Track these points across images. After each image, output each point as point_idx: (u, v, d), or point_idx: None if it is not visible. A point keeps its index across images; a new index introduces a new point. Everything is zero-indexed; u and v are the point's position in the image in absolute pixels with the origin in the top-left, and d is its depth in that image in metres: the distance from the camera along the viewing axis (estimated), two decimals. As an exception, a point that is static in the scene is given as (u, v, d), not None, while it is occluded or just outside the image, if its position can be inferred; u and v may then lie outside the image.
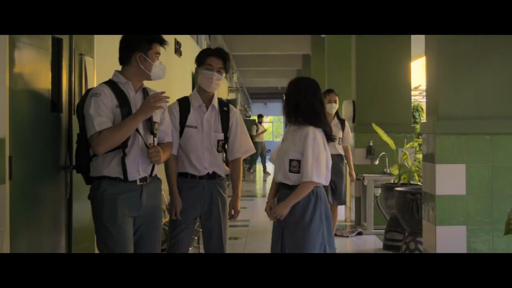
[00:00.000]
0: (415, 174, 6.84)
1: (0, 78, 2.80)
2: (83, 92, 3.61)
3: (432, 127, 4.13)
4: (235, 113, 4.01)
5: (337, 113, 6.89)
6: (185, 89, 3.87)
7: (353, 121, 8.22)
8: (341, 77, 10.89)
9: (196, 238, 4.58)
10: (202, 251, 4.06)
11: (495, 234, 4.03)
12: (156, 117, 3.38)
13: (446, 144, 4.09)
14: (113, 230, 3.17)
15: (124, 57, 3.30)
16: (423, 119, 10.80)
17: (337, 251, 6.31)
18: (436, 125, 4.11)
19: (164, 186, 3.65)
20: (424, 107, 8.69)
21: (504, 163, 4.09)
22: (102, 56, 4.15)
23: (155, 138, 3.38)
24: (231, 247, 6.70)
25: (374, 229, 7.60)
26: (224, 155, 3.97)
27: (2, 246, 2.78)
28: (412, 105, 9.75)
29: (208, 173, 3.86)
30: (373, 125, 7.52)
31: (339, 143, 6.73)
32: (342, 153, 6.80)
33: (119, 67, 3.34)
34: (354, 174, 7.04)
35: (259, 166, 19.19)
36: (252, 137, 17.94)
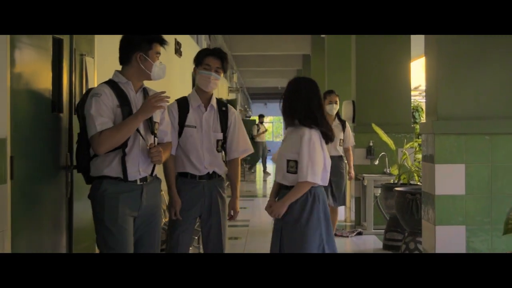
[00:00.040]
0: (415, 174, 6.84)
1: (1, 78, 2.81)
2: (84, 92, 3.62)
3: (432, 127, 4.14)
4: (234, 113, 4.02)
5: (337, 114, 6.88)
6: (185, 89, 3.87)
7: (353, 121, 8.22)
8: (341, 77, 10.89)
9: (196, 238, 4.59)
10: (202, 251, 4.06)
11: (494, 234, 4.04)
12: (156, 117, 3.39)
13: (445, 144, 4.10)
14: (114, 229, 3.18)
15: (124, 57, 3.31)
16: (423, 119, 10.80)
17: (337, 251, 6.35)
18: (436, 125, 4.12)
19: (164, 186, 3.65)
20: (424, 107, 8.70)
21: (504, 163, 4.10)
22: (102, 56, 4.15)
23: (155, 138, 3.40)
24: (231, 247, 6.74)
25: (374, 229, 7.60)
26: (224, 155, 3.98)
27: (3, 246, 2.79)
28: (412, 105, 9.75)
29: (208, 172, 3.87)
30: (373, 125, 7.52)
31: (340, 145, 6.73)
32: (343, 154, 6.80)
33: (119, 67, 3.35)
34: (353, 172, 7.03)
35: (259, 166, 19.19)
36: (253, 137, 17.99)
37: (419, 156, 7.00)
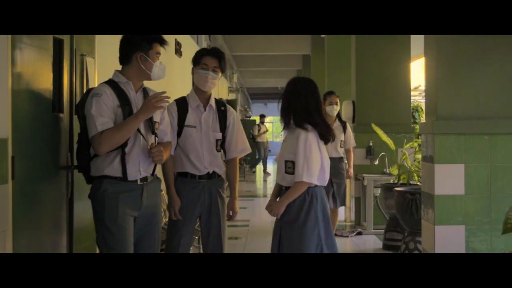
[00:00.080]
0: (415, 174, 6.85)
1: (2, 79, 2.81)
2: (84, 92, 3.63)
3: (431, 127, 4.15)
4: (232, 112, 4.03)
5: (338, 115, 6.87)
6: (185, 90, 3.89)
7: (353, 121, 8.23)
8: (341, 77, 10.90)
9: (196, 238, 4.59)
10: (202, 251, 4.07)
11: (494, 234, 4.04)
12: (157, 117, 3.40)
13: (445, 144, 4.11)
14: (114, 229, 3.18)
15: (125, 56, 3.31)
16: (423, 119, 10.81)
17: (338, 251, 6.36)
18: (435, 125, 4.13)
19: (163, 186, 3.66)
20: (423, 107, 8.71)
21: (503, 163, 4.11)
22: (103, 56, 4.16)
23: (156, 137, 3.40)
24: (231, 247, 6.75)
25: (373, 229, 7.61)
26: (223, 154, 3.99)
27: (4, 246, 2.80)
28: (412, 105, 9.76)
29: (208, 172, 3.87)
30: (373, 125, 7.53)
31: (341, 146, 6.72)
32: (344, 155, 6.80)
33: (120, 67, 3.36)
34: (351, 171, 7.01)
35: (259, 167, 19.20)
36: (254, 137, 18.01)
37: (419, 156, 7.01)
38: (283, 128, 3.79)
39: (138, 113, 3.20)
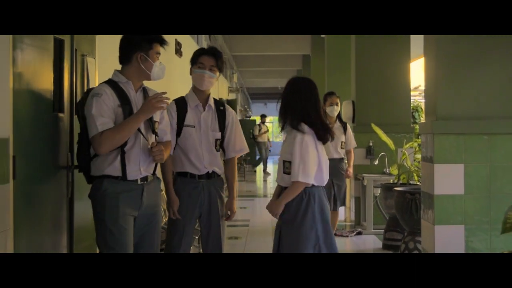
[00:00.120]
0: (414, 174, 6.86)
1: (3, 79, 2.82)
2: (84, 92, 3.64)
3: (431, 127, 4.16)
4: (231, 112, 4.04)
5: (339, 116, 6.85)
6: (185, 90, 3.89)
7: (353, 121, 8.24)
8: (341, 77, 10.91)
9: (196, 238, 4.60)
10: (201, 250, 4.08)
11: (493, 233, 4.05)
12: (156, 116, 3.40)
13: (444, 144, 4.12)
14: (114, 229, 3.18)
15: (125, 56, 3.32)
16: (423, 119, 10.82)
17: (338, 250, 6.37)
18: (435, 125, 4.14)
19: (162, 186, 3.67)
20: (423, 107, 8.71)
21: (502, 163, 4.11)
22: (103, 56, 4.17)
23: (156, 137, 3.41)
24: (231, 247, 6.76)
25: (373, 229, 7.62)
26: (223, 154, 4.00)
27: (6, 245, 2.80)
28: (411, 105, 9.77)
29: (208, 172, 3.88)
30: (373, 125, 7.53)
31: (341, 147, 6.71)
32: (345, 156, 6.79)
33: (120, 67, 3.36)
34: (351, 171, 6.99)
35: (259, 167, 19.20)
36: (254, 137, 18.03)
37: (419, 156, 7.02)
38: (281, 129, 3.79)
39: (138, 113, 3.21)
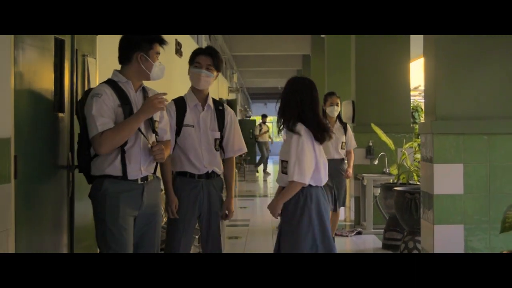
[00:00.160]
0: (414, 174, 6.87)
1: (5, 79, 2.83)
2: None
3: (430, 127, 4.17)
4: (230, 112, 4.05)
5: (339, 117, 6.82)
6: (185, 90, 3.91)
7: (353, 121, 8.25)
8: (340, 77, 10.91)
9: (196, 237, 4.61)
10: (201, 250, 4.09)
11: (492, 233, 4.06)
12: (156, 116, 3.40)
13: (444, 144, 4.13)
14: (114, 229, 3.19)
15: (125, 56, 3.32)
16: (422, 119, 10.83)
17: (337, 250, 6.37)
18: (434, 125, 4.15)
19: (162, 185, 3.68)
20: (423, 107, 8.73)
21: (502, 163, 4.12)
22: (103, 56, 4.18)
23: (156, 136, 3.42)
24: (231, 246, 6.77)
25: (373, 229, 7.63)
26: (222, 153, 4.01)
27: (7, 244, 2.81)
28: (411, 105, 9.77)
29: (207, 172, 3.88)
30: (372, 125, 7.54)
31: (342, 148, 6.69)
32: (345, 157, 6.78)
33: (120, 67, 3.37)
34: (350, 171, 6.94)
35: (260, 166, 19.20)
36: (255, 137, 18.05)
37: (418, 156, 7.03)
38: (278, 130, 3.79)
39: (138, 113, 3.21)
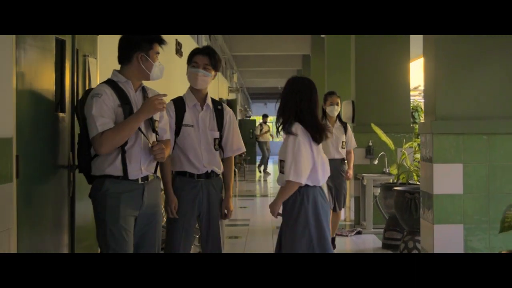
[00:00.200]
0: (414, 174, 6.87)
1: (7, 79, 2.84)
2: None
3: (430, 127, 4.18)
4: (229, 111, 4.06)
5: (339, 116, 6.81)
6: (185, 90, 3.93)
7: (353, 121, 8.26)
8: (340, 77, 10.92)
9: (197, 237, 4.62)
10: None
11: (492, 233, 4.07)
12: (156, 115, 3.41)
13: (443, 144, 4.13)
14: (115, 229, 3.19)
15: (125, 56, 3.32)
16: (422, 119, 10.84)
17: (337, 250, 6.39)
18: (434, 125, 4.16)
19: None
20: (423, 107, 8.74)
21: (501, 163, 4.13)
22: (104, 56, 4.19)
23: (156, 135, 3.43)
24: (231, 246, 6.78)
25: (373, 228, 7.64)
26: (222, 152, 4.02)
27: (9, 244, 2.82)
28: (411, 105, 9.78)
29: (207, 171, 3.89)
30: (372, 125, 7.55)
31: (342, 147, 6.68)
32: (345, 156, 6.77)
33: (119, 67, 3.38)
34: (351, 173, 6.91)
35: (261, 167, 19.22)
36: (256, 137, 18.06)
37: (418, 156, 7.04)
38: (277, 129, 3.80)
39: (138, 113, 3.22)
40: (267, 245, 6.58)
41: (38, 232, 3.20)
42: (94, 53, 4.01)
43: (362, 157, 8.06)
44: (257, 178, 16.98)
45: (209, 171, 3.90)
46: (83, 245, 3.76)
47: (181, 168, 3.89)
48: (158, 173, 3.55)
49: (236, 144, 4.04)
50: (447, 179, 4.12)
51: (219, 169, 3.97)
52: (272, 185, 14.71)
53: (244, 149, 4.15)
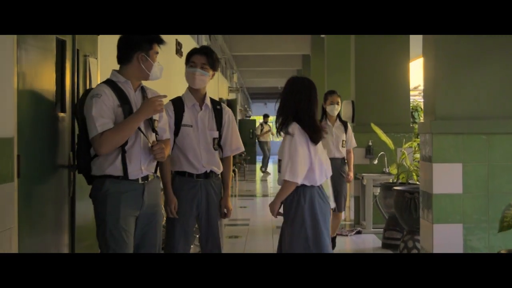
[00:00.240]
0: (414, 174, 6.88)
1: (8, 79, 2.85)
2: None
3: (430, 127, 4.18)
4: (228, 111, 4.06)
5: (339, 115, 6.80)
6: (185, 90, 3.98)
7: (352, 121, 8.26)
8: (340, 77, 10.93)
9: (197, 236, 4.62)
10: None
11: (491, 232, 4.08)
12: (155, 115, 3.42)
13: (443, 144, 4.14)
14: (115, 229, 3.19)
15: (124, 56, 3.32)
16: (422, 119, 10.84)
17: (337, 249, 6.40)
18: (433, 125, 4.16)
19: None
20: (423, 107, 8.74)
21: (500, 162, 4.14)
22: (104, 56, 4.20)
23: (156, 135, 3.43)
24: (231, 246, 6.79)
25: (373, 228, 7.64)
26: (221, 152, 4.03)
27: (11, 243, 2.83)
28: (411, 105, 9.79)
29: (206, 171, 3.89)
30: (372, 125, 7.55)
31: (342, 146, 6.67)
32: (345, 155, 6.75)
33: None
34: (351, 175, 6.84)
35: (258, 166, 19.22)
36: (257, 136, 18.06)
37: (418, 155, 7.04)
38: (277, 129, 3.80)
39: (138, 113, 3.22)
40: (267, 245, 6.59)
41: (38, 232, 3.21)
42: (95, 53, 4.02)
43: (362, 157, 8.07)
44: (257, 178, 16.98)
45: (208, 171, 3.91)
46: (84, 244, 3.77)
47: (180, 168, 3.89)
48: (158, 173, 3.56)
49: (235, 143, 4.05)
50: (447, 179, 4.12)
51: (218, 169, 3.98)
52: (272, 185, 14.71)
53: (243, 149, 4.16)
